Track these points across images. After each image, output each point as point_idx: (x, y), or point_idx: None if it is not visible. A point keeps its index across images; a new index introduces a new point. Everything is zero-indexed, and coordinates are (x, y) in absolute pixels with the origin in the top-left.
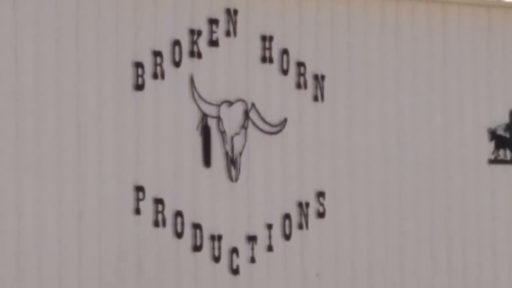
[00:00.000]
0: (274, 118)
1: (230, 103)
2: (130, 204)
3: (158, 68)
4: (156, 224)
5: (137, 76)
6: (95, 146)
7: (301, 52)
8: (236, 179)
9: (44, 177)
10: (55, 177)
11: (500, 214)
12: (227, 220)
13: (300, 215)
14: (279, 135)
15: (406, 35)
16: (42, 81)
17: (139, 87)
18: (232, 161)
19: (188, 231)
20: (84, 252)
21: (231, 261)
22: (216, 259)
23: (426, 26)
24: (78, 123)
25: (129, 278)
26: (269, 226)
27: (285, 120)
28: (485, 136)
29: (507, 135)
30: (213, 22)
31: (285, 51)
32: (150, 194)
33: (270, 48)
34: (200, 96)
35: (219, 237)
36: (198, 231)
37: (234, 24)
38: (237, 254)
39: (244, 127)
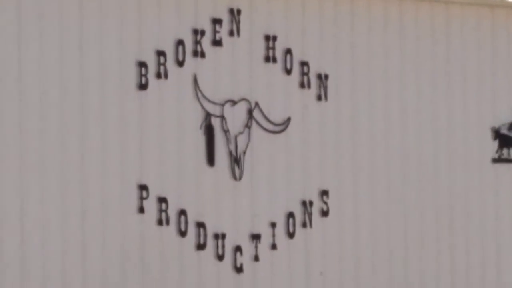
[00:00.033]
0: (278, 117)
1: (234, 103)
2: (134, 202)
3: (162, 67)
4: (160, 222)
5: (141, 75)
6: (98, 145)
7: (304, 51)
8: (240, 178)
9: (48, 176)
10: (58, 176)
11: (504, 213)
12: (231, 218)
13: (304, 213)
14: (283, 134)
15: (409, 35)
16: (46, 80)
17: (143, 86)
18: (235, 160)
19: (191, 230)
20: (88, 250)
21: (235, 260)
22: (220, 257)
23: (429, 26)
24: (82, 122)
25: (133, 277)
26: (273, 225)
27: (289, 119)
28: (489, 135)
29: (511, 134)
30: (216, 22)
31: (288, 51)
32: (153, 192)
33: (273, 48)
34: (203, 96)
35: (223, 236)
36: (201, 230)
37: (238, 24)
38: (241, 253)
39: (247, 126)
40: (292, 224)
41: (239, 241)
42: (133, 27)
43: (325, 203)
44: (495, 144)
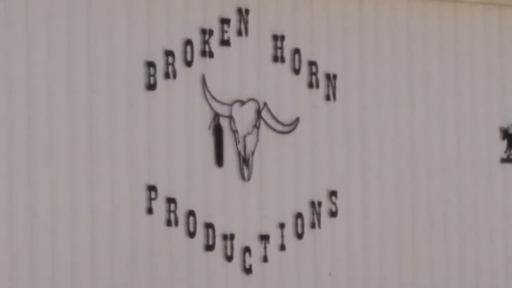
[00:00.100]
0: (286, 118)
1: (242, 103)
2: (143, 203)
3: (170, 67)
4: (168, 223)
5: (149, 75)
6: (107, 146)
7: (313, 51)
8: (249, 179)
9: (56, 177)
10: (67, 177)
11: None
12: (240, 219)
13: (313, 214)
14: (291, 134)
15: (417, 34)
16: (54, 81)
17: (151, 86)
18: (244, 161)
19: (200, 231)
20: (96, 251)
21: (244, 261)
22: (229, 258)
23: (438, 25)
24: (90, 123)
25: (142, 278)
26: (282, 225)
27: (297, 119)
28: (498, 135)
29: None
30: (224, 21)
31: (296, 51)
32: (162, 193)
33: (281, 48)
34: (212, 96)
35: (232, 236)
36: (210, 231)
37: (246, 23)
38: (250, 253)
39: (256, 126)
40: (300, 225)
41: (248, 241)
42: (142, 27)
43: (334, 203)
44: (503, 144)
